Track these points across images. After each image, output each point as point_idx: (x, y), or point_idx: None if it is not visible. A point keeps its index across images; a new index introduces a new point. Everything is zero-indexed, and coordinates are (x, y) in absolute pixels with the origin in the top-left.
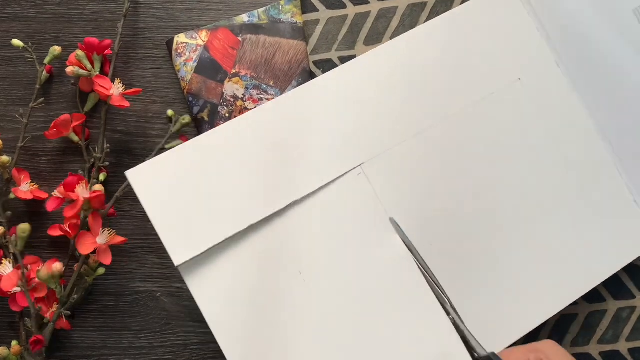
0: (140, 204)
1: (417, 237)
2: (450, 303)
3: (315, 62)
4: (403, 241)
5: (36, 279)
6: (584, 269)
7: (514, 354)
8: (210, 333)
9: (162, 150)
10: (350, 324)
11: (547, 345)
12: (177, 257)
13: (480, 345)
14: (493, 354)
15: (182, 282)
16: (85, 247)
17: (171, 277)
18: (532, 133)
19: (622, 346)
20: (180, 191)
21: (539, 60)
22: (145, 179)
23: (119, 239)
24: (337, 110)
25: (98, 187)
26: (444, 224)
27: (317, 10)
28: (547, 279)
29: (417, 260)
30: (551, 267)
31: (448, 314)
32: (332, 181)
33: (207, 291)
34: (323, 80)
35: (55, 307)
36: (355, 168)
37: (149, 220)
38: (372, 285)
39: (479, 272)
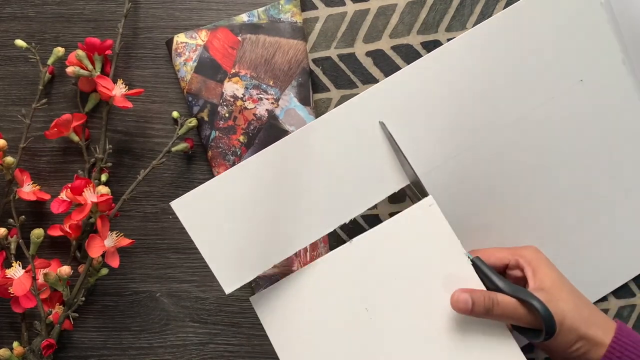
0: (145, 206)
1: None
2: None
3: (314, 60)
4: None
5: (39, 281)
6: None
7: (495, 254)
8: (209, 334)
9: (169, 153)
10: None
11: (529, 251)
12: (228, 286)
13: (466, 252)
14: (477, 258)
15: (182, 282)
16: (94, 250)
17: (171, 278)
18: (590, 134)
19: None
20: (226, 219)
21: (604, 59)
22: (190, 210)
23: (126, 241)
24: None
25: (105, 191)
26: (505, 233)
27: (316, 8)
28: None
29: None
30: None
31: None
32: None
33: (276, 322)
34: (365, 95)
35: (57, 307)
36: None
37: (148, 221)
38: (445, 325)
39: None
